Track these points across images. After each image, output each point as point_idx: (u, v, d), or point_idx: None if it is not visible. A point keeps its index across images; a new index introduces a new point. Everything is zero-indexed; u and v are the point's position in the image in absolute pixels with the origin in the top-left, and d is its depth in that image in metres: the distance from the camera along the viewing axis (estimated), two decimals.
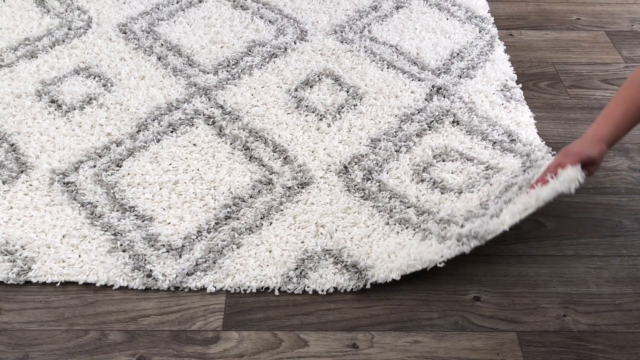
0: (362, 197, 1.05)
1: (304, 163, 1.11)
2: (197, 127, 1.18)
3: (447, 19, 1.50)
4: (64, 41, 1.38)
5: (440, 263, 0.92)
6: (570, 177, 0.88)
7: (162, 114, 1.20)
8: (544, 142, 1.18)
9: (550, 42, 1.48)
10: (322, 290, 0.92)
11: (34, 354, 0.84)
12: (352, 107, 1.24)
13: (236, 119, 1.20)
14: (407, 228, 1.00)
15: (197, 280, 0.93)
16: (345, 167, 1.11)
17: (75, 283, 0.93)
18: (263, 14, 1.49)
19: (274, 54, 1.36)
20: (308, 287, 0.93)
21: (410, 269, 0.92)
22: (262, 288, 0.93)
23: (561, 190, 0.88)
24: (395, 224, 1.00)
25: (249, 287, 0.92)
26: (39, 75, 1.29)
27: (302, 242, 0.98)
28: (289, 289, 0.92)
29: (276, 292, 0.92)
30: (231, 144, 1.15)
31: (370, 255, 0.96)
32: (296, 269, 0.94)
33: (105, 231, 0.99)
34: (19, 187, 1.05)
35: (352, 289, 0.93)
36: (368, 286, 0.93)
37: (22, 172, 1.08)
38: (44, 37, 1.38)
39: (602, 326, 0.90)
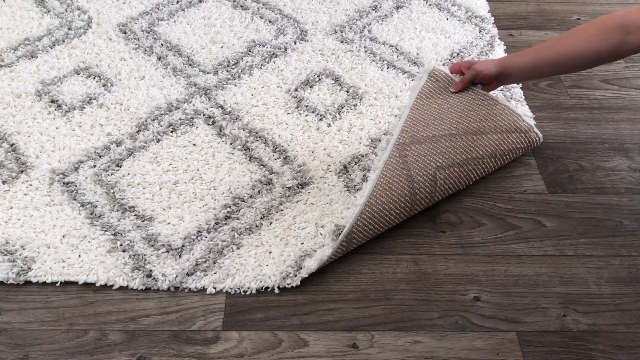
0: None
1: (304, 163, 1.11)
2: (197, 127, 1.18)
3: (447, 19, 1.50)
4: (64, 41, 1.38)
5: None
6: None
7: (162, 114, 1.20)
8: (544, 145, 1.18)
9: None
10: (313, 269, 0.92)
11: (34, 354, 0.84)
12: (352, 107, 1.24)
13: (236, 119, 1.20)
14: None
15: (197, 281, 0.93)
16: (345, 167, 1.11)
17: (75, 283, 0.93)
18: (263, 14, 1.49)
19: (274, 54, 1.36)
20: (302, 275, 0.92)
21: (357, 201, 0.97)
22: (261, 288, 0.93)
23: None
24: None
25: (248, 287, 0.92)
26: (39, 75, 1.29)
27: (302, 244, 0.98)
28: (288, 284, 0.92)
29: (276, 290, 0.92)
30: (231, 144, 1.15)
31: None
32: (294, 265, 0.94)
33: (105, 231, 0.99)
34: (19, 187, 1.06)
35: (331, 253, 0.93)
36: (341, 230, 0.94)
37: (22, 172, 1.08)
38: (44, 37, 1.38)
39: (602, 326, 0.90)
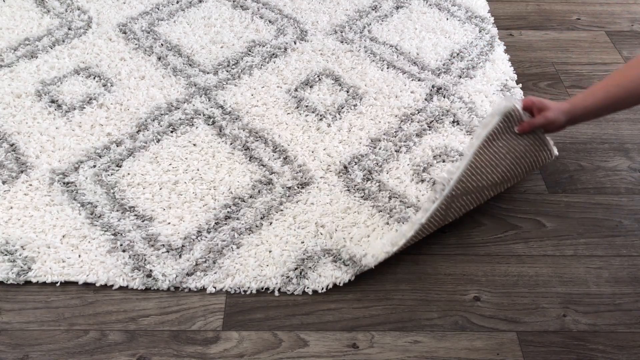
0: (362, 197, 1.05)
1: (304, 163, 1.11)
2: (197, 127, 1.18)
3: (447, 19, 1.50)
4: (64, 41, 1.38)
5: (403, 241, 0.94)
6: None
7: (162, 114, 1.20)
8: None
9: (550, 42, 1.48)
10: (322, 289, 0.93)
11: (34, 354, 0.84)
12: (352, 107, 1.24)
13: (236, 119, 1.20)
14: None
15: (197, 281, 0.93)
16: (345, 167, 1.11)
17: (75, 283, 0.93)
18: (263, 14, 1.49)
19: (274, 54, 1.36)
20: (307, 287, 0.93)
21: (394, 243, 0.94)
22: (262, 289, 0.93)
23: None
24: (395, 224, 1.00)
25: (248, 287, 0.92)
26: (39, 75, 1.29)
27: (302, 242, 0.98)
28: (288, 290, 0.92)
29: (276, 293, 0.92)
30: (231, 144, 1.15)
31: (366, 250, 0.96)
32: (296, 269, 0.94)
33: (105, 231, 0.99)
34: (19, 187, 1.06)
35: (349, 279, 0.93)
36: (364, 268, 0.93)
37: (22, 172, 1.08)
38: (44, 37, 1.38)
39: (602, 326, 0.90)
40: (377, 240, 0.98)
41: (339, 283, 0.93)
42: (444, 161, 1.12)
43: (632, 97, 0.95)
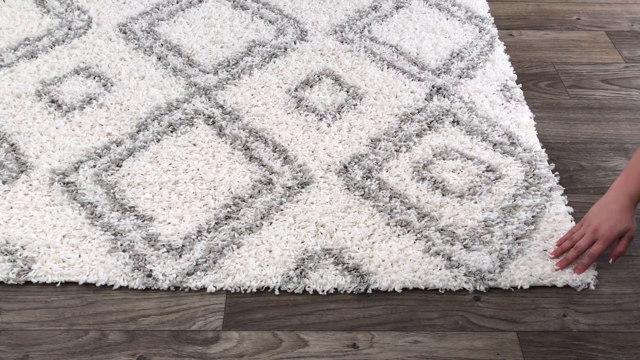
0: (362, 195, 1.05)
1: (304, 163, 1.11)
2: (197, 127, 1.18)
3: (447, 19, 1.50)
4: (64, 41, 1.38)
5: (441, 289, 0.93)
6: (583, 280, 0.94)
7: (162, 114, 1.20)
8: (544, 145, 1.18)
9: (550, 42, 1.48)
10: (323, 291, 0.92)
11: (34, 354, 0.84)
12: (352, 107, 1.24)
13: (236, 119, 1.20)
14: (408, 232, 0.99)
15: (197, 280, 0.93)
16: (345, 167, 1.11)
17: (75, 283, 0.93)
18: (263, 14, 1.49)
19: (274, 54, 1.36)
20: (308, 287, 0.93)
21: (413, 285, 0.93)
22: (262, 288, 0.93)
23: (573, 286, 0.94)
24: (396, 226, 1.00)
25: (249, 287, 0.92)
26: (39, 75, 1.29)
27: (302, 242, 0.98)
28: (289, 289, 0.92)
29: (276, 292, 0.92)
30: (231, 144, 1.15)
31: (372, 259, 0.95)
32: (296, 268, 0.94)
33: (105, 231, 0.99)
34: (19, 187, 1.05)
35: (352, 291, 0.93)
36: (369, 291, 0.93)
37: (22, 172, 1.08)
38: (44, 37, 1.39)
39: (602, 326, 0.90)
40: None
41: (341, 291, 0.93)
42: (444, 159, 1.12)
43: None
